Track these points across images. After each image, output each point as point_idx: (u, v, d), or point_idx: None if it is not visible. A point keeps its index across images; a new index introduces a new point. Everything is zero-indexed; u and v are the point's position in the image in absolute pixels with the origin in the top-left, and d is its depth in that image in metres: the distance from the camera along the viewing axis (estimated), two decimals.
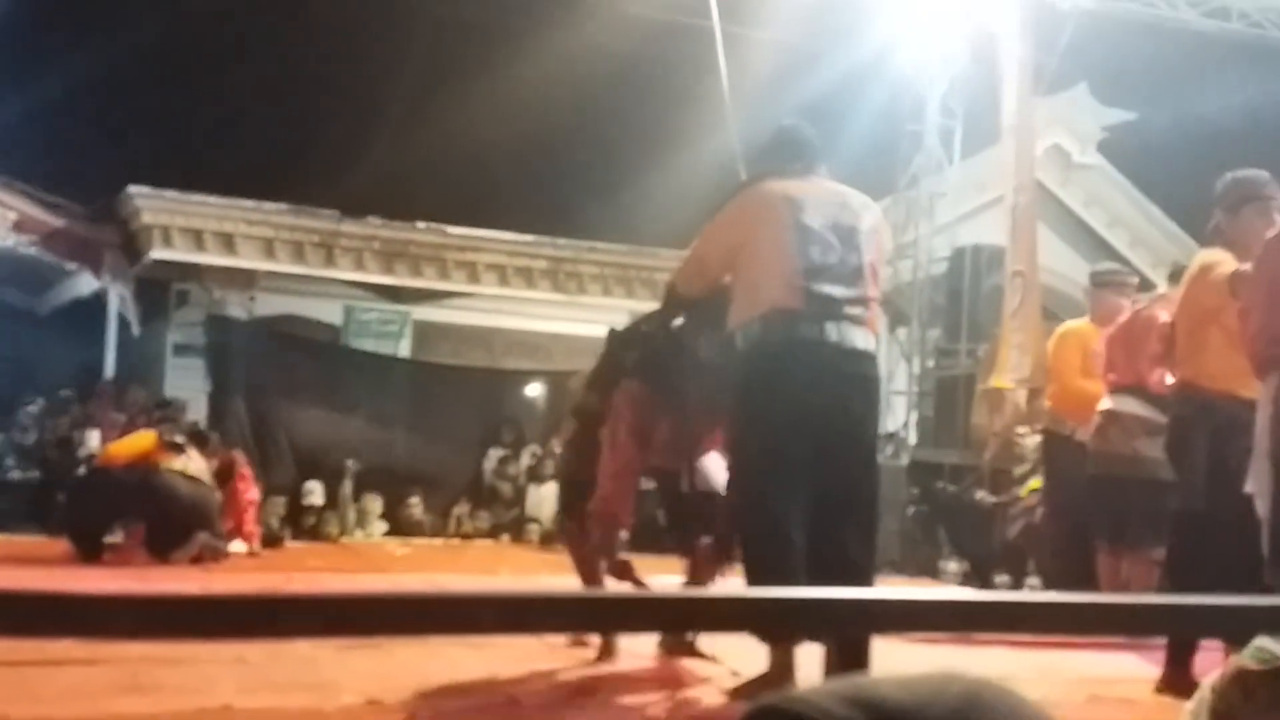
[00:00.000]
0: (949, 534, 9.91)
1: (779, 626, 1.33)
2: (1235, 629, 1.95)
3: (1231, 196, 4.64)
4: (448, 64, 14.77)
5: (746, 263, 4.27)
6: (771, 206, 4.26)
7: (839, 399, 4.14)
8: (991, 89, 10.96)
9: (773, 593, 0.99)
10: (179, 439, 8.55)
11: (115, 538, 8.18)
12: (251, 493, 9.20)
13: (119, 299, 13.19)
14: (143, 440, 8.55)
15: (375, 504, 11.17)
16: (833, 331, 4.11)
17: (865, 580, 4.17)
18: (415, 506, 11.48)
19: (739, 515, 4.37)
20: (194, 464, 8.34)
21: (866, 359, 4.25)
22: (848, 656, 2.80)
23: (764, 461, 4.17)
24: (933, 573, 9.48)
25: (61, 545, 8.18)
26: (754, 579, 4.18)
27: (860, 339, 4.18)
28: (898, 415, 12.41)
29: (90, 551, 7.91)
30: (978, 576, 8.99)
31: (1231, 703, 3.02)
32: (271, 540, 9.02)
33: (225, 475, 8.98)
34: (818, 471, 4.11)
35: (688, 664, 4.77)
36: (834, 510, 4.11)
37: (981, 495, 9.59)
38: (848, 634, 2.31)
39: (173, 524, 7.91)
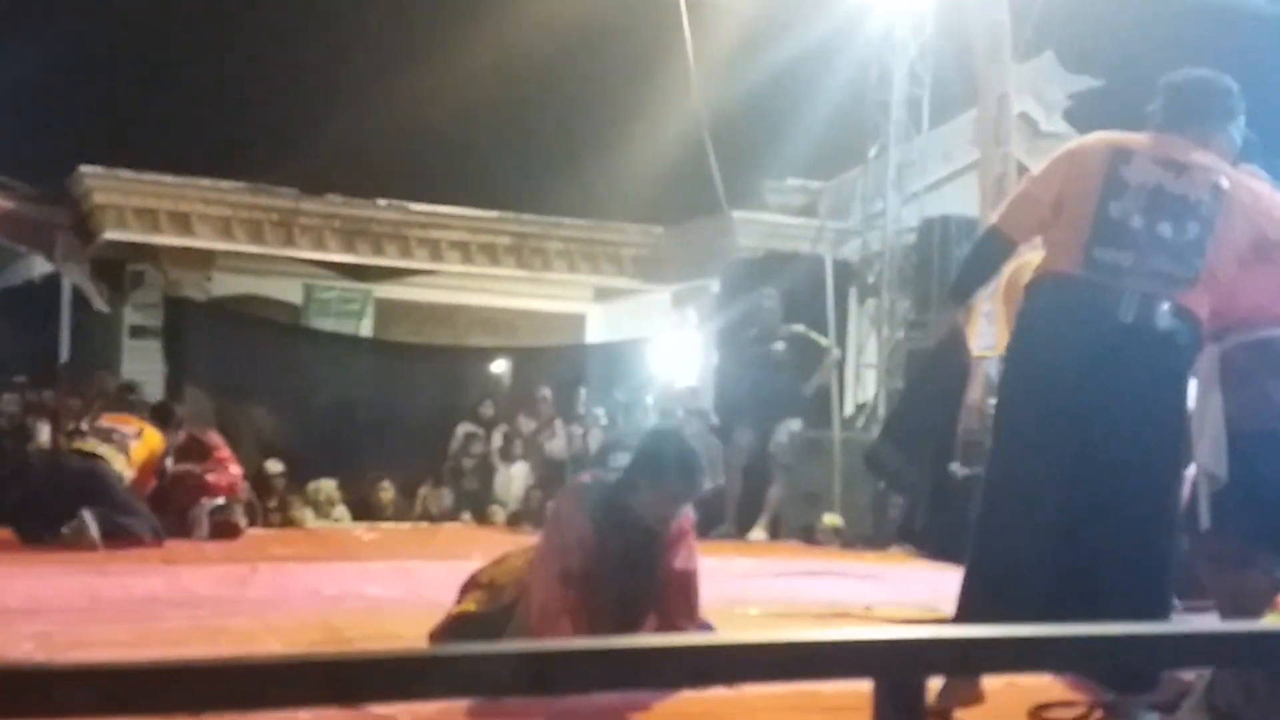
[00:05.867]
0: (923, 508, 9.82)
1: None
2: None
3: None
4: (406, 36, 14.52)
5: (1056, 215, 3.63)
6: (1094, 152, 3.61)
7: (1114, 391, 3.43)
8: (959, 58, 10.84)
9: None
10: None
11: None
12: (233, 466, 9.13)
13: (73, 282, 12.89)
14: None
15: (332, 487, 10.95)
16: (1115, 304, 3.42)
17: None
18: (386, 490, 11.29)
19: (974, 522, 3.71)
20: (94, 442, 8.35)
21: (1169, 344, 3.47)
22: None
23: (1006, 461, 3.57)
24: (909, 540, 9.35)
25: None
26: (965, 614, 3.55)
27: (1164, 319, 3.43)
28: (868, 388, 12.33)
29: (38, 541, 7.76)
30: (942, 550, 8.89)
31: (1231, 700, 2.93)
32: (229, 530, 8.84)
33: (196, 452, 8.95)
34: (1076, 485, 3.43)
35: None
36: (1089, 540, 3.40)
37: (954, 467, 9.49)
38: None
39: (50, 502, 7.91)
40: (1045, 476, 3.44)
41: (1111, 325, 3.42)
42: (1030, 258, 5.15)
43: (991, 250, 3.86)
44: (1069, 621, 1.24)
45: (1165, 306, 3.43)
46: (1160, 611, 3.44)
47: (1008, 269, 4.92)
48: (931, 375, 4.58)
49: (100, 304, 12.98)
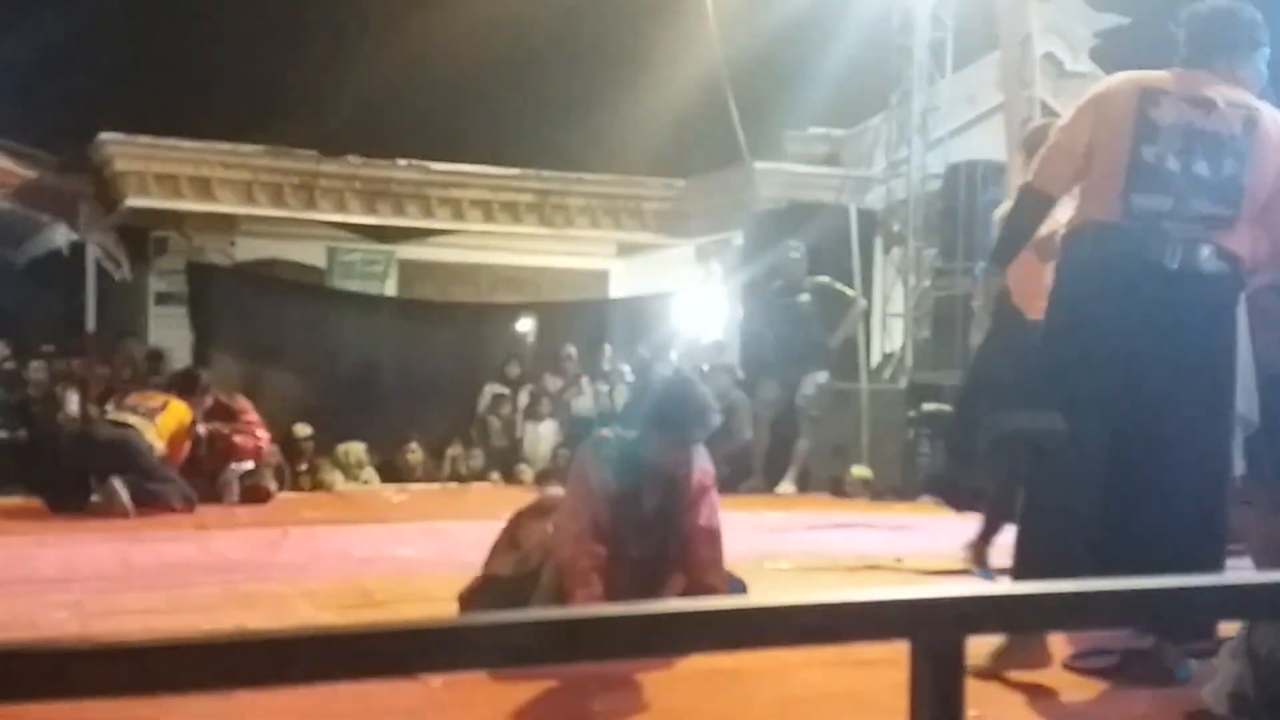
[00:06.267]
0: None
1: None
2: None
3: None
4: None
5: (1089, 162, 3.56)
6: (1121, 95, 3.52)
7: (1164, 338, 3.37)
8: None
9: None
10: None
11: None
12: (261, 430, 9.17)
13: (98, 249, 12.91)
14: None
15: (360, 449, 10.97)
16: (1158, 251, 3.37)
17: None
18: (414, 452, 11.31)
19: (1026, 478, 3.69)
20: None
21: (1215, 288, 3.42)
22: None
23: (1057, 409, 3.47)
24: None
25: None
26: (1021, 570, 3.53)
27: (1209, 263, 3.38)
28: (894, 338, 12.25)
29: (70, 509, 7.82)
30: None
31: (1273, 645, 2.88)
32: (259, 494, 8.89)
33: (224, 416, 9.00)
34: (1130, 436, 3.37)
35: None
36: (1136, 491, 3.34)
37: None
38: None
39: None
40: (1098, 429, 3.39)
41: (1157, 272, 3.37)
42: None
43: (1030, 209, 3.79)
44: (1125, 573, 1.20)
45: (1208, 250, 3.38)
46: (1215, 559, 3.38)
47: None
48: (999, 344, 4.50)
49: (122, 274, 13.01)
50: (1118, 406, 3.38)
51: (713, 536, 3.91)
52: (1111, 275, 3.43)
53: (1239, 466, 3.71)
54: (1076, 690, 3.34)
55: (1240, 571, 3.86)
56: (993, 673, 3.26)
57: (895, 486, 9.69)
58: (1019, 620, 1.13)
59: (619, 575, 3.77)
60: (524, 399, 12.00)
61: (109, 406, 8.93)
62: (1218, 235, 3.38)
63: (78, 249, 13.07)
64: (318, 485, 10.33)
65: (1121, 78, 3.65)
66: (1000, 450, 5.25)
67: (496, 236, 14.34)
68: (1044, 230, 4.91)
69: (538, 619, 1.04)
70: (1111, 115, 3.50)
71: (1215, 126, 3.43)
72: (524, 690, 3.16)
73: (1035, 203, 3.75)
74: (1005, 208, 5.36)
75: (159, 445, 8.23)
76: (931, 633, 1.08)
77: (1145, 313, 3.38)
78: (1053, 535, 3.42)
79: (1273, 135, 3.47)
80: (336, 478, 10.56)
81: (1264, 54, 3.63)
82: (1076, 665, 3.46)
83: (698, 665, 3.19)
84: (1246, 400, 3.69)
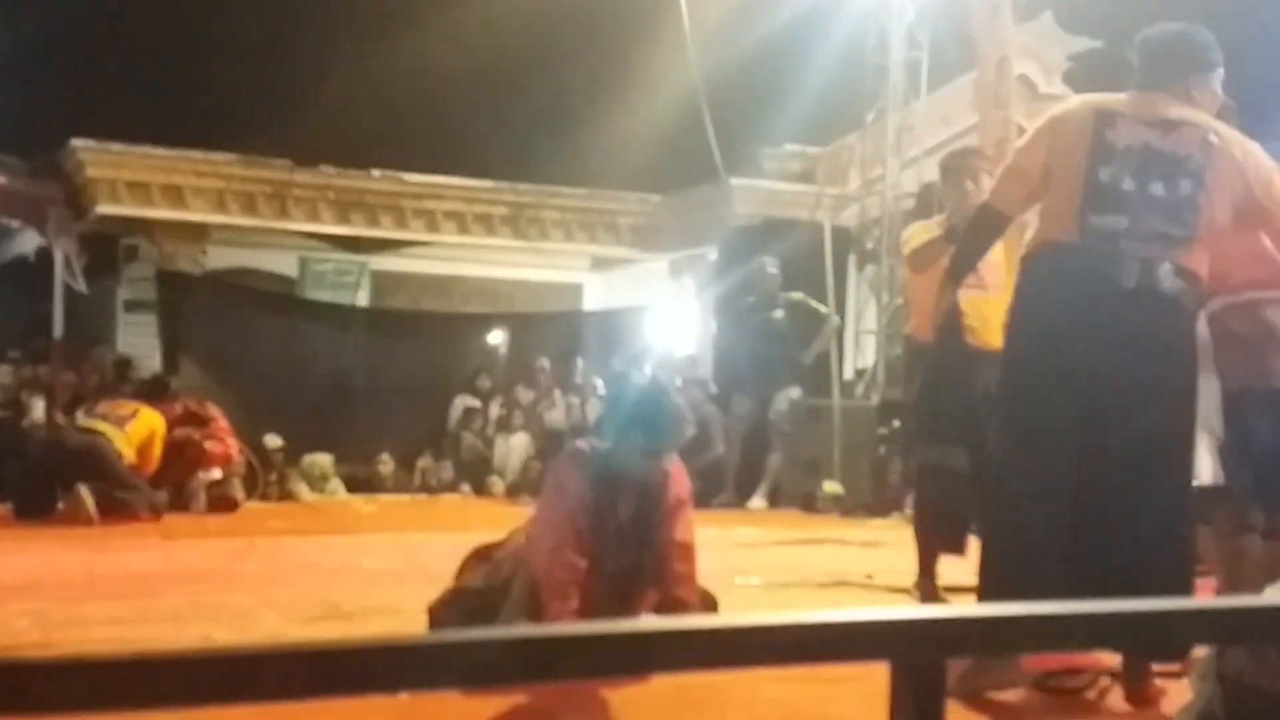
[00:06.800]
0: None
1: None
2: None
3: None
4: (398, 3, 14.37)
5: (1045, 184, 3.56)
6: (1077, 118, 3.54)
7: (1123, 358, 3.35)
8: (957, 20, 10.72)
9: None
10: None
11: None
12: (230, 438, 9.10)
13: (64, 256, 12.79)
14: None
15: (327, 462, 10.90)
16: (1116, 270, 3.35)
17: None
18: (385, 463, 11.25)
19: (983, 500, 3.74)
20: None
21: (1173, 306, 3.40)
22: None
23: (1013, 436, 3.51)
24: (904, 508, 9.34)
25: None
26: (985, 593, 3.51)
27: (1166, 280, 3.36)
28: (867, 354, 12.28)
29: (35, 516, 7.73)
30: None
31: (1241, 668, 2.88)
32: (226, 503, 8.81)
33: (193, 422, 8.94)
34: (1089, 457, 3.36)
35: None
36: (1101, 512, 3.34)
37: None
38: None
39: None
40: (1057, 450, 3.39)
41: (1115, 291, 3.36)
42: (920, 225, 5.48)
43: (986, 228, 3.82)
44: (1092, 595, 1.19)
45: (1166, 268, 3.37)
46: (1182, 583, 3.37)
47: (911, 236, 5.33)
48: (941, 365, 4.53)
49: (78, 285, 12.84)
50: (1080, 426, 3.38)
51: (687, 551, 3.89)
52: (1070, 294, 3.43)
53: (1206, 475, 3.74)
54: (1048, 711, 3.34)
55: (1209, 595, 3.88)
56: (964, 693, 3.25)
57: (866, 503, 9.70)
58: (1000, 641, 1.12)
59: (593, 589, 3.75)
60: (496, 411, 11.97)
61: (79, 413, 8.86)
62: (1175, 254, 3.39)
63: (46, 255, 12.95)
64: (285, 496, 10.26)
65: (1078, 101, 3.69)
66: (919, 477, 5.31)
67: (471, 248, 14.30)
68: (918, 241, 5.20)
69: (512, 637, 1.02)
70: (1068, 137, 3.52)
71: (1172, 148, 3.44)
72: (494, 706, 3.13)
73: (990, 222, 3.78)
74: (914, 229, 5.56)
75: (128, 453, 8.16)
76: (912, 653, 1.07)
77: (1104, 331, 3.38)
78: (1018, 558, 3.40)
79: (1233, 155, 3.47)
80: (303, 489, 10.49)
81: (1218, 75, 3.64)
82: (1049, 685, 3.46)
83: (670, 682, 3.17)
84: (1211, 414, 3.73)
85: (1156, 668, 3.39)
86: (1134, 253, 3.36)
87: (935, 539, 5.10)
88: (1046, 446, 3.40)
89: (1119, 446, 3.36)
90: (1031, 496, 3.41)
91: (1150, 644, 2.87)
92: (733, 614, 3.49)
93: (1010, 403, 3.58)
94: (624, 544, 3.83)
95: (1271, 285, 3.95)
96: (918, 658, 1.06)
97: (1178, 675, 3.24)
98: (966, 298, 4.57)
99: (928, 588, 5.14)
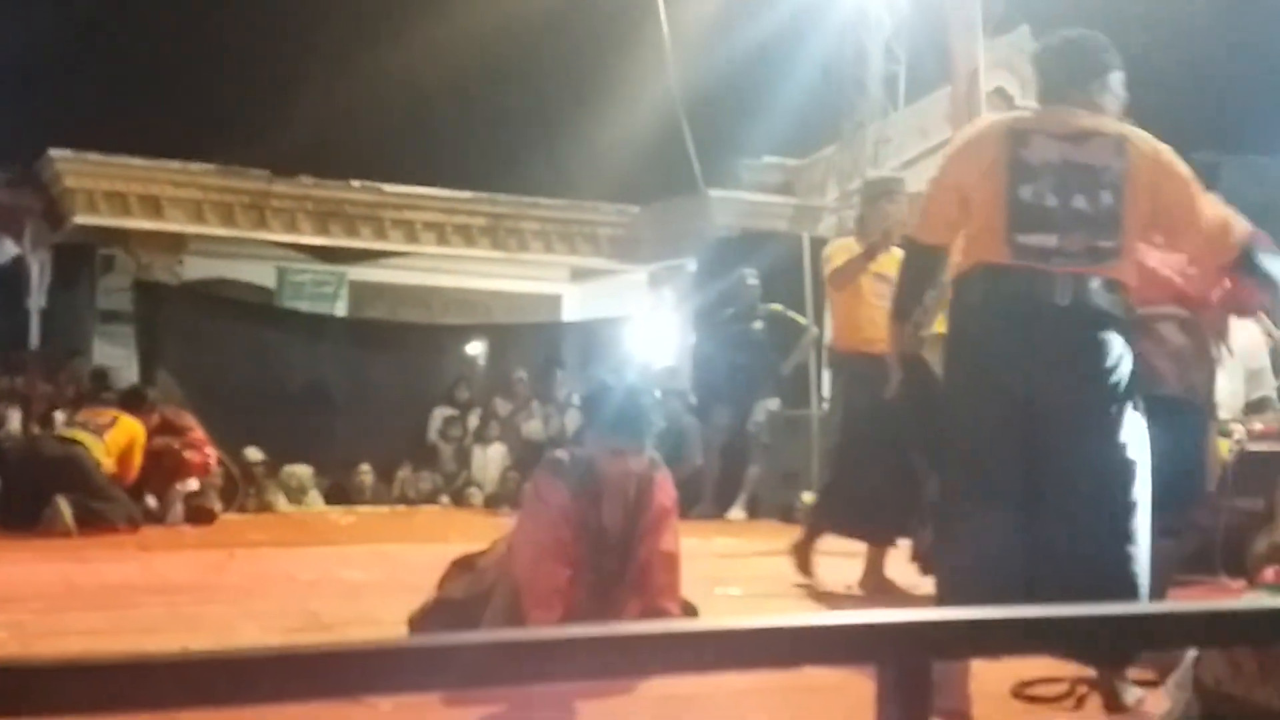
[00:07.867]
0: None
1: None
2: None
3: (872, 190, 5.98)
4: (378, 13, 14.37)
5: (967, 208, 3.55)
6: (989, 139, 3.53)
7: (1060, 375, 3.37)
8: (935, 33, 10.79)
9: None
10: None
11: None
12: (208, 448, 9.05)
13: (39, 266, 12.73)
14: None
15: (306, 473, 10.86)
16: (1049, 288, 3.36)
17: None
18: (364, 474, 11.22)
19: (938, 520, 3.79)
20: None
21: (1107, 321, 3.39)
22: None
23: (959, 456, 3.54)
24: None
25: None
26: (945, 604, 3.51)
27: (1098, 296, 3.37)
28: None
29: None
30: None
31: (1218, 676, 2.90)
32: (204, 515, 8.77)
33: (171, 432, 8.90)
34: (1033, 474, 3.38)
35: None
36: (1050, 534, 3.35)
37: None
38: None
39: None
40: (1001, 469, 3.38)
41: (1048, 309, 3.36)
42: (841, 244, 5.97)
43: (920, 264, 3.78)
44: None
45: (1097, 283, 3.37)
46: (1133, 588, 3.36)
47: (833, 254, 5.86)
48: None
49: (39, 302, 12.71)
50: (1022, 444, 3.38)
51: (672, 561, 3.90)
52: (1003, 315, 3.43)
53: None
54: (1027, 719, 3.36)
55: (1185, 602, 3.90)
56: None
57: None
58: (987, 644, 1.13)
59: (576, 598, 3.75)
60: (474, 422, 11.95)
61: (59, 421, 8.80)
62: (1104, 267, 3.39)
63: (22, 265, 12.89)
64: (263, 507, 10.22)
65: (986, 122, 3.68)
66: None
67: (449, 259, 14.30)
68: (838, 261, 5.70)
69: (497, 641, 1.03)
70: (983, 160, 3.49)
71: (1088, 159, 3.43)
72: (473, 713, 3.13)
73: (919, 258, 3.76)
74: (834, 248, 5.94)
75: (107, 462, 8.12)
76: (899, 657, 1.08)
77: (1040, 350, 3.38)
78: (971, 573, 3.39)
79: (1144, 152, 3.46)
80: (280, 500, 10.45)
81: (1118, 77, 3.62)
82: (1026, 694, 3.48)
83: (650, 694, 3.18)
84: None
85: (1134, 675, 3.41)
86: (1064, 269, 3.36)
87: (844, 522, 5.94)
88: (992, 467, 3.40)
89: (1061, 468, 3.37)
90: (982, 517, 3.40)
91: (1131, 649, 2.89)
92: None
93: (954, 426, 3.58)
94: (607, 552, 3.83)
95: (1161, 303, 4.01)
96: (905, 661, 1.08)
97: (1155, 684, 3.27)
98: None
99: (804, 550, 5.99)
